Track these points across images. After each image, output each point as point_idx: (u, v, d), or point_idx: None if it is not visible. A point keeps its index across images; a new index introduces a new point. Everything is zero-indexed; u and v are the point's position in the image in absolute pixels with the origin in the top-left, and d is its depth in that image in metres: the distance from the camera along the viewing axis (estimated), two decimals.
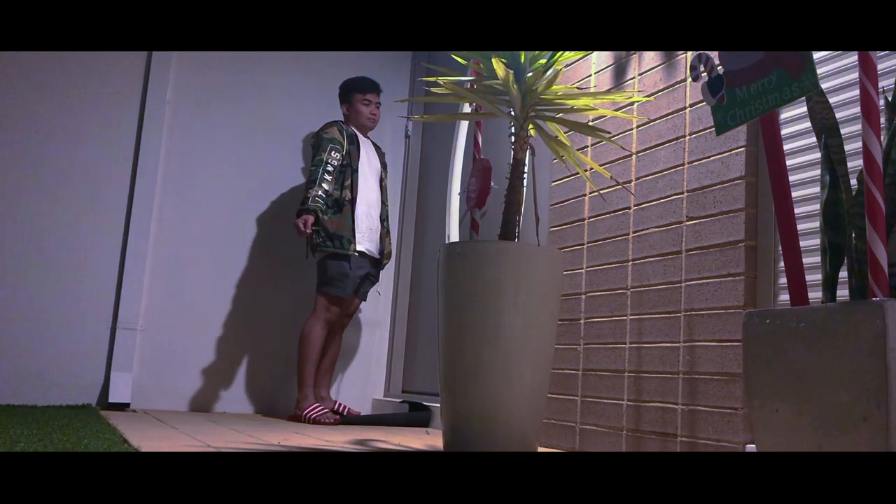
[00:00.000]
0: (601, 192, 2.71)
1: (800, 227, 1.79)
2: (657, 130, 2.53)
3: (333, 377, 3.81)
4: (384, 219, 3.71)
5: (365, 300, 3.70)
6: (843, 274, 1.50)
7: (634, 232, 2.55)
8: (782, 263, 1.72)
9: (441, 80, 2.34)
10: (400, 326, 4.16)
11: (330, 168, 3.50)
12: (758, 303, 2.15)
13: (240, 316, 3.79)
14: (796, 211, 1.75)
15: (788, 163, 2.00)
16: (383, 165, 3.82)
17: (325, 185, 3.46)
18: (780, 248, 1.56)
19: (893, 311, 1.22)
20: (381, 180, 3.75)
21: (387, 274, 4.22)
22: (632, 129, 2.64)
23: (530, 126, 2.39)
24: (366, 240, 3.57)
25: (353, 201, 3.53)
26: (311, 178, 3.47)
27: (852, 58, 2.01)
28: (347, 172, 3.55)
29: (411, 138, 4.36)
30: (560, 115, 2.41)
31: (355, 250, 3.50)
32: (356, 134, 3.68)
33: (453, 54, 2.60)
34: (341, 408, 3.58)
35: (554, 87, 2.32)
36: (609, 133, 2.42)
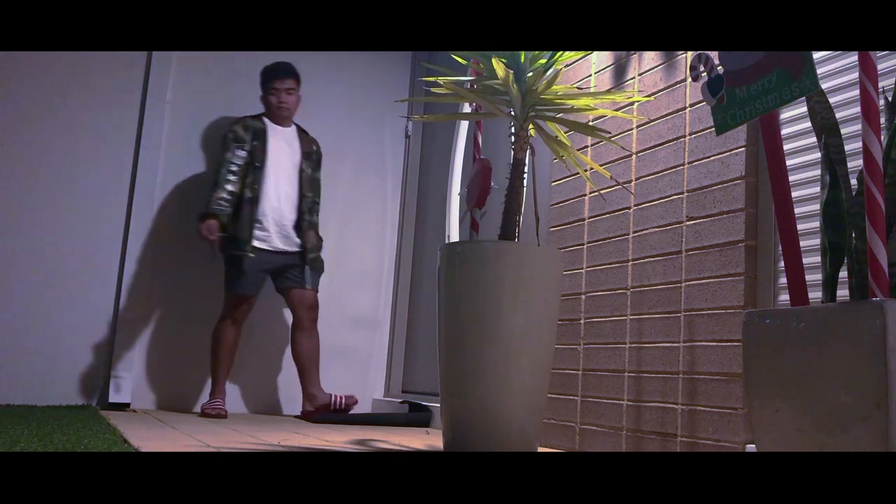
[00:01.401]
0: (601, 192, 2.71)
1: (800, 227, 1.79)
2: (657, 130, 2.53)
3: (330, 373, 3.80)
4: (305, 211, 3.55)
5: (312, 288, 3.55)
6: (843, 274, 1.50)
7: (634, 232, 2.55)
8: (782, 263, 1.72)
9: (441, 80, 2.34)
10: (400, 326, 4.16)
11: (233, 168, 3.44)
12: (758, 303, 2.15)
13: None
14: (796, 211, 1.75)
15: (788, 163, 2.00)
16: (309, 154, 3.65)
17: (228, 187, 3.40)
18: (780, 248, 1.56)
19: (893, 311, 1.22)
20: (302, 171, 3.60)
21: (387, 274, 4.22)
22: (632, 129, 2.64)
23: (530, 126, 2.39)
24: (274, 237, 3.47)
25: (254, 199, 3.44)
26: (215, 178, 3.43)
27: (852, 58, 2.01)
28: (250, 170, 3.46)
29: (411, 138, 4.36)
30: (560, 115, 2.41)
31: (253, 249, 3.40)
32: (264, 128, 3.56)
33: (453, 54, 2.60)
34: (338, 400, 3.55)
35: (554, 87, 2.32)
36: (609, 133, 2.42)
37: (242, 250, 3.39)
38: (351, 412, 3.65)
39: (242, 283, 3.42)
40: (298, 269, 3.53)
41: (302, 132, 3.70)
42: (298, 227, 3.55)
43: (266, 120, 3.60)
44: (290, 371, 3.88)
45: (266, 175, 3.49)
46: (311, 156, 3.67)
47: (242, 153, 3.47)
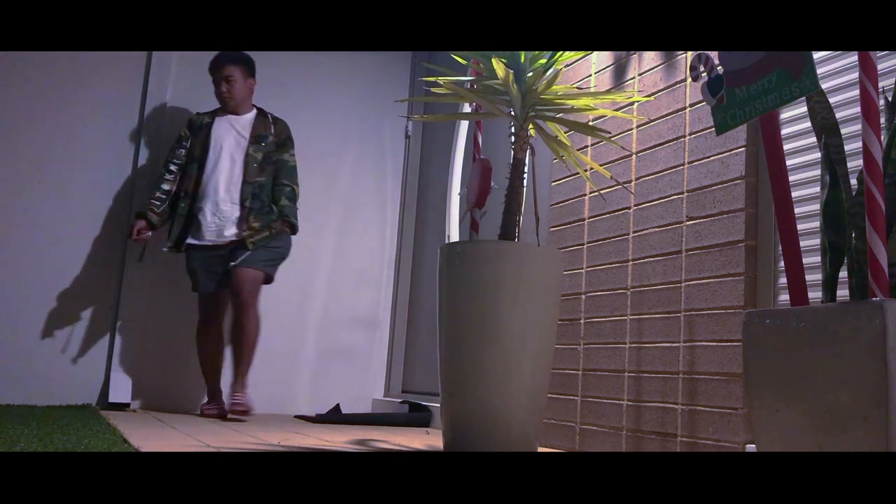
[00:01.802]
0: (601, 192, 2.71)
1: (800, 227, 1.79)
2: (657, 130, 2.53)
3: (330, 373, 3.78)
4: (248, 197, 3.34)
5: (250, 267, 3.28)
6: (844, 274, 1.50)
7: (634, 232, 2.55)
8: (782, 263, 1.72)
9: (441, 80, 2.34)
10: (400, 326, 4.16)
11: (171, 167, 3.42)
12: (758, 303, 2.15)
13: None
14: (796, 211, 1.75)
15: (788, 163, 2.00)
16: (260, 138, 3.44)
17: (163, 186, 3.39)
18: (780, 248, 1.56)
19: (893, 311, 1.22)
20: (248, 156, 3.40)
21: (387, 274, 4.22)
22: (632, 129, 2.64)
23: (530, 126, 2.39)
24: (212, 231, 3.33)
25: (192, 196, 3.37)
26: (157, 178, 3.45)
27: (852, 58, 2.00)
28: (190, 166, 3.40)
29: (411, 138, 4.36)
30: (560, 115, 2.41)
31: (189, 246, 3.35)
32: (211, 121, 3.47)
33: (453, 54, 2.60)
34: (231, 405, 3.23)
35: (554, 87, 2.32)
36: (609, 133, 2.42)
37: (178, 249, 3.36)
38: (350, 412, 3.65)
39: (196, 282, 3.37)
40: (237, 252, 3.30)
41: (262, 116, 3.54)
42: (241, 214, 3.35)
43: (219, 112, 3.51)
44: (291, 371, 3.89)
45: (207, 169, 3.39)
46: (262, 139, 3.46)
47: (181, 151, 3.44)
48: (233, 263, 3.27)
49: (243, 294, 3.26)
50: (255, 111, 3.56)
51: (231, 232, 3.34)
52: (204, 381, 3.43)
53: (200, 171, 3.40)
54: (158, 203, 3.37)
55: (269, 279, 3.41)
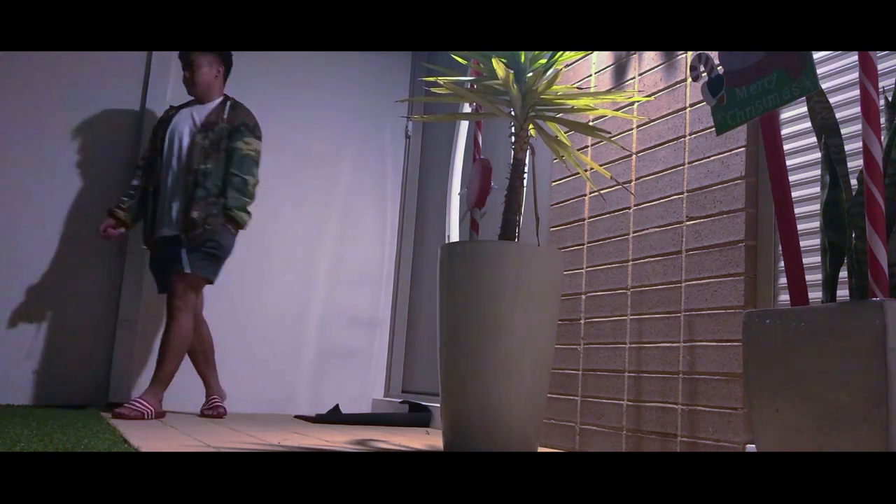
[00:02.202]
0: (601, 192, 2.71)
1: (800, 227, 1.79)
2: (657, 130, 2.53)
3: (331, 373, 3.78)
4: (191, 186, 3.16)
5: (188, 272, 3.12)
6: (844, 274, 1.50)
7: (634, 232, 2.55)
8: (782, 263, 1.72)
9: (441, 80, 2.34)
10: (400, 326, 4.16)
11: (140, 163, 3.37)
12: (758, 303, 2.15)
13: (240, 316, 3.79)
14: (796, 211, 1.75)
15: (788, 163, 2.00)
16: (211, 125, 3.26)
17: (133, 181, 3.33)
18: (780, 248, 1.56)
19: (893, 311, 1.22)
20: (195, 143, 3.21)
21: (387, 274, 4.22)
22: (632, 129, 2.64)
23: (530, 126, 2.39)
24: (162, 225, 3.21)
25: (155, 191, 3.26)
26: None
27: (852, 58, 2.01)
28: (154, 162, 3.30)
29: (411, 138, 4.37)
30: (560, 115, 2.41)
31: (153, 242, 3.25)
32: (174, 114, 3.35)
33: (453, 54, 2.60)
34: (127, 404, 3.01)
35: (554, 87, 2.32)
36: (609, 133, 2.42)
37: (147, 246, 3.30)
38: (350, 412, 3.65)
39: (158, 283, 3.28)
40: (171, 248, 3.15)
41: (223, 104, 3.36)
42: (183, 204, 3.19)
43: (190, 103, 3.39)
44: (291, 371, 3.89)
45: (165, 163, 3.27)
46: (212, 126, 3.25)
47: (149, 146, 3.37)
48: (176, 270, 3.13)
49: (174, 301, 3.13)
50: (220, 100, 3.38)
51: (174, 225, 3.18)
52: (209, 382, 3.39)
53: (162, 167, 3.28)
54: (126, 199, 3.29)
55: (207, 281, 3.24)
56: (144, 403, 2.97)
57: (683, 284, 2.33)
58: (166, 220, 3.20)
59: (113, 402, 3.34)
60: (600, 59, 2.86)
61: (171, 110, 3.41)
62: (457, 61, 2.62)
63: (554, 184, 2.99)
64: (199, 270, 3.16)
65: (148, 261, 3.34)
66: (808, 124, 2.07)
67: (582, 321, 2.71)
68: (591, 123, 2.78)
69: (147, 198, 3.29)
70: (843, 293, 1.78)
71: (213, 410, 3.32)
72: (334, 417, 3.50)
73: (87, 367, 3.43)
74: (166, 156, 3.27)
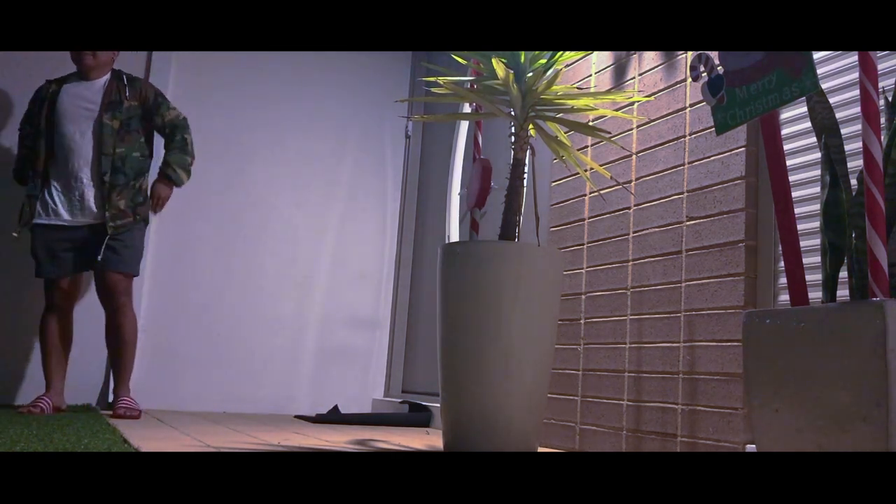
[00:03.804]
0: (601, 192, 2.71)
1: (800, 227, 1.79)
2: (657, 130, 2.53)
3: (331, 373, 3.77)
4: (106, 172, 3.03)
5: (116, 271, 3.04)
6: (844, 274, 1.50)
7: (634, 232, 2.55)
8: (782, 263, 1.72)
9: (441, 80, 2.34)
10: (400, 326, 4.16)
11: (25, 143, 3.15)
12: (758, 303, 2.15)
13: (240, 316, 3.79)
14: (796, 211, 1.75)
15: (788, 163, 2.00)
16: (114, 105, 3.11)
17: (15, 166, 3.21)
18: (780, 248, 1.56)
19: (893, 311, 1.22)
20: (103, 125, 3.06)
21: (387, 274, 4.22)
22: (632, 129, 2.64)
23: (530, 126, 2.39)
24: (61, 209, 3.04)
25: (43, 173, 3.06)
26: None
27: (852, 58, 2.01)
28: (37, 141, 3.09)
29: (411, 138, 4.37)
30: (560, 115, 2.41)
31: (35, 227, 3.04)
32: (58, 89, 3.13)
33: (453, 54, 2.60)
34: (121, 409, 3.03)
35: (554, 87, 2.32)
36: (609, 133, 2.42)
37: (27, 228, 3.05)
38: (350, 412, 3.64)
39: (39, 266, 3.06)
40: (99, 246, 3.02)
41: (118, 80, 3.18)
42: (101, 192, 3.04)
43: (70, 78, 3.18)
44: (291, 371, 3.89)
45: (55, 142, 3.07)
46: (117, 106, 3.10)
47: (27, 128, 3.15)
48: (100, 260, 3.00)
49: (119, 298, 3.06)
50: (108, 75, 3.19)
51: (90, 213, 3.05)
52: (44, 375, 3.10)
53: (50, 147, 3.07)
54: (14, 175, 3.18)
55: (135, 275, 3.16)
56: (135, 402, 3.07)
57: (683, 284, 2.33)
58: (77, 207, 3.04)
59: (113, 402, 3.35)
60: (600, 59, 2.86)
61: (50, 85, 3.17)
62: (457, 61, 2.62)
63: (554, 184, 2.99)
64: (132, 270, 3.11)
65: (36, 244, 3.06)
66: (808, 124, 2.07)
67: (582, 321, 2.71)
68: (590, 123, 2.78)
69: (29, 179, 3.08)
70: (843, 293, 1.79)
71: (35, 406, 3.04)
72: (334, 417, 3.50)
73: (87, 367, 3.43)
74: (58, 138, 3.07)
